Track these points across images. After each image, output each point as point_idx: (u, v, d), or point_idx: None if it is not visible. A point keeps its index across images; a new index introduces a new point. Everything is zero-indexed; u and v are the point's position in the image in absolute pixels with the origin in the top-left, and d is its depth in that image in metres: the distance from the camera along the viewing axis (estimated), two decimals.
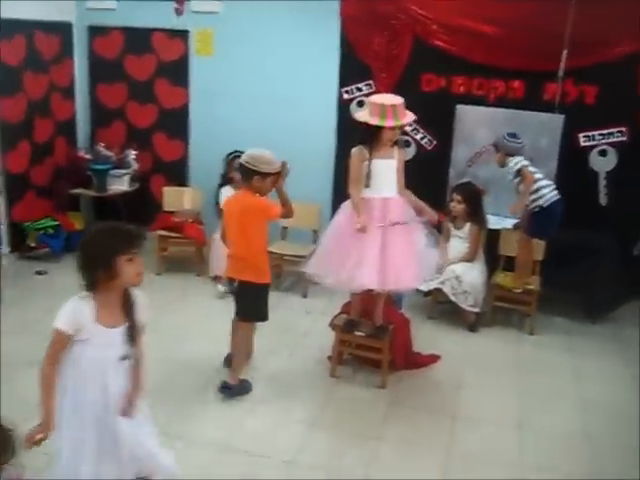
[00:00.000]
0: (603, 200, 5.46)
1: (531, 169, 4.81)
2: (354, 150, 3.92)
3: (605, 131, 5.31)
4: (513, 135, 4.88)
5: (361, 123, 3.87)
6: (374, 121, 3.78)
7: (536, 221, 4.92)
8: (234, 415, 3.76)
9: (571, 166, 5.22)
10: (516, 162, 4.81)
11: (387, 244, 3.83)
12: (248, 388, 4.01)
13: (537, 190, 4.82)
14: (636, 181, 5.32)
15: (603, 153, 5.37)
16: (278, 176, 3.81)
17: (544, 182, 4.83)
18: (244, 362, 4.12)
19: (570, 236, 5.06)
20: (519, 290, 5.04)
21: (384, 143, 3.85)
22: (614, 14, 4.99)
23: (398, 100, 3.81)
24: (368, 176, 3.86)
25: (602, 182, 5.41)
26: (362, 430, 3.68)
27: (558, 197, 4.85)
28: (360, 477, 3.31)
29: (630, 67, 5.10)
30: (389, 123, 3.75)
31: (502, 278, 5.17)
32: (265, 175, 3.74)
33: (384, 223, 3.84)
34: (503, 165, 4.92)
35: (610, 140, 5.32)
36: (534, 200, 4.85)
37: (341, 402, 3.97)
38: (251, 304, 3.96)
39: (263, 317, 4.01)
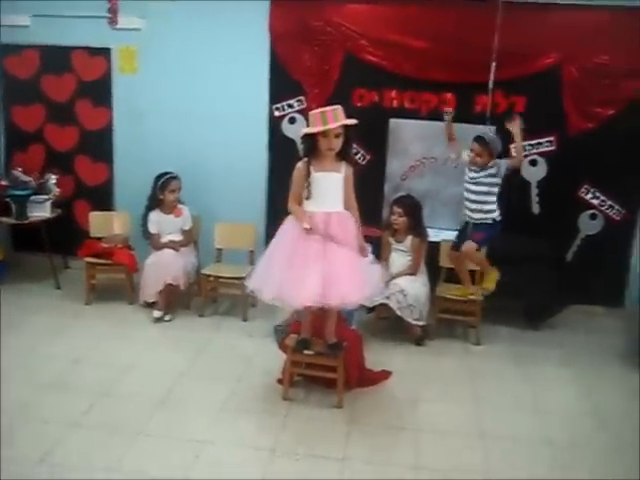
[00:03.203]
0: (535, 209, 5.56)
1: None
2: (297, 164, 3.84)
3: (534, 141, 5.41)
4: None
5: (302, 136, 3.83)
6: (306, 130, 3.76)
7: (487, 232, 4.94)
8: (187, 448, 3.50)
9: (505, 177, 5.27)
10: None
11: (330, 258, 3.71)
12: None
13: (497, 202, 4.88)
14: (565, 189, 5.47)
15: (533, 163, 5.48)
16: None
17: None
18: None
19: (507, 245, 5.10)
20: (480, 297, 5.04)
21: (324, 154, 3.76)
22: (539, 26, 5.14)
23: (332, 108, 3.70)
24: (308, 189, 3.78)
25: (534, 191, 5.52)
26: (325, 452, 3.51)
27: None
28: None
29: (555, 77, 5.24)
30: (317, 127, 3.66)
31: (454, 290, 5.16)
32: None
33: (325, 237, 3.73)
34: (483, 167, 4.85)
35: (540, 150, 5.43)
36: (491, 211, 4.89)
37: (299, 425, 3.79)
38: None
39: None
